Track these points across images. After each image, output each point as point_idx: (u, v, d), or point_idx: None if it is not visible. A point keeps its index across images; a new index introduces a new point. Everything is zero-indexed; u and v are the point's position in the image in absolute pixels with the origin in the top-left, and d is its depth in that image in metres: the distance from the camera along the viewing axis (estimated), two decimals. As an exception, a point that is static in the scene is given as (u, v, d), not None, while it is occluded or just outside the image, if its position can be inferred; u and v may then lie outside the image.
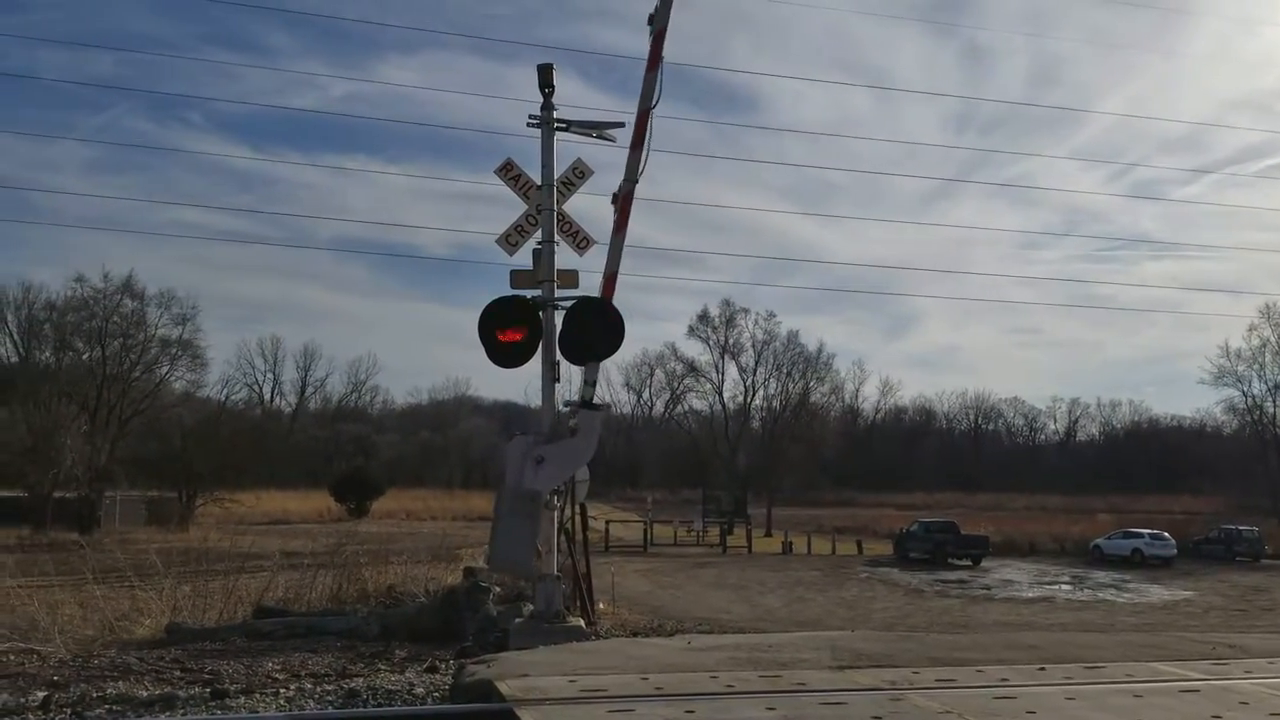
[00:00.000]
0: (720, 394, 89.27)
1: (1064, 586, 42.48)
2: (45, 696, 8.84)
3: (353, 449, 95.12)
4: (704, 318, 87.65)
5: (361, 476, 76.43)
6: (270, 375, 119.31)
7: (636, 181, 11.97)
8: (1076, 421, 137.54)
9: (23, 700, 8.78)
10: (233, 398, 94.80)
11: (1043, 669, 8.19)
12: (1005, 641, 10.82)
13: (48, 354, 67.68)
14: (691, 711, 6.42)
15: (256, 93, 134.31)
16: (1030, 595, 39.13)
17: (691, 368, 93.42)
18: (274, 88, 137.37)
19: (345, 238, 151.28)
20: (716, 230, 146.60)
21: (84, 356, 65.59)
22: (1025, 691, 7.21)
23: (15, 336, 68.17)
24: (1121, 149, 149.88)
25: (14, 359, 67.77)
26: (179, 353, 69.19)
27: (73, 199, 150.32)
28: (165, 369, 69.09)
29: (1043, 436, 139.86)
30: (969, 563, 50.38)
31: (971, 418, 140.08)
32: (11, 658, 11.52)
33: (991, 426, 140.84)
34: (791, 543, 56.92)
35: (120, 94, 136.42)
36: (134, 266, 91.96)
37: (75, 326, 65.78)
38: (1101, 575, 47.25)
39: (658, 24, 11.80)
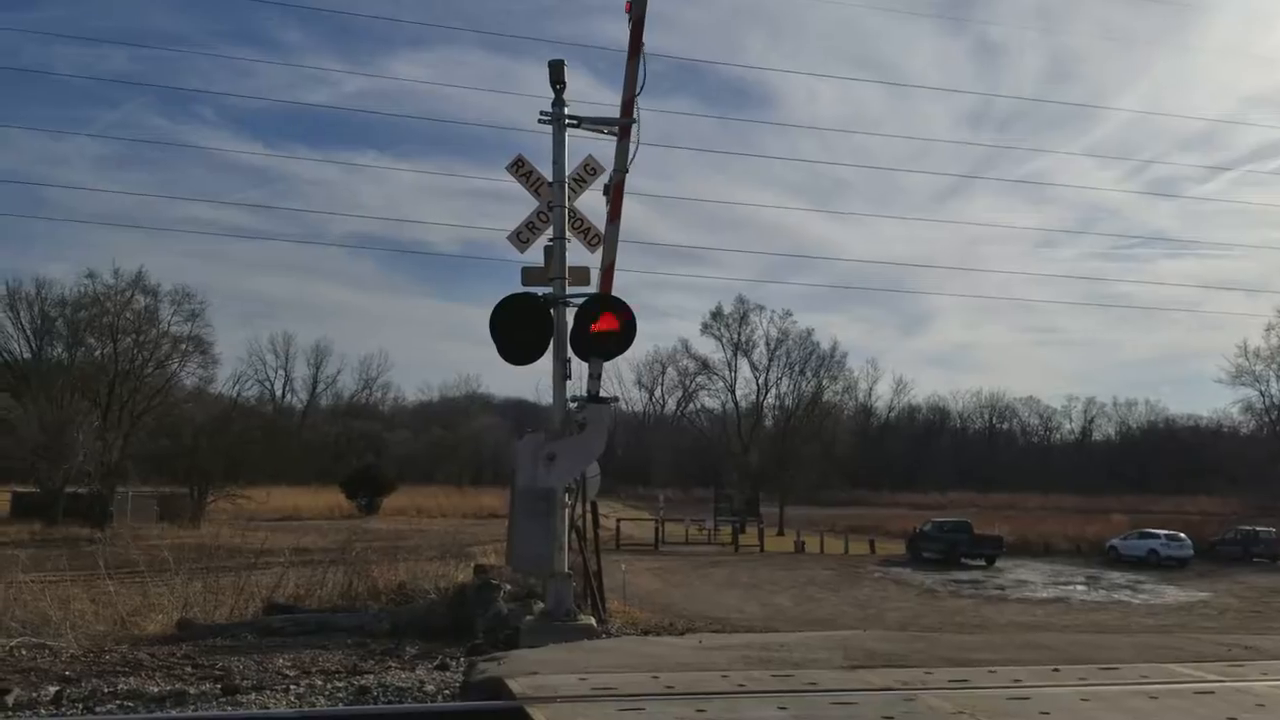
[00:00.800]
0: (733, 392, 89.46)
1: (1079, 587, 42.31)
2: (57, 692, 8.86)
3: (363, 446, 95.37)
4: (717, 315, 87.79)
5: (372, 473, 76.51)
6: (282, 372, 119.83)
7: (626, 171, 11.99)
8: (1092, 421, 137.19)
9: (35, 695, 8.80)
10: (244, 394, 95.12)
11: (1057, 670, 8.12)
12: (1019, 642, 10.75)
13: (60, 350, 68.08)
14: (703, 710, 6.38)
15: (269, 89, 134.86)
16: (1045, 596, 38.98)
17: (704, 365, 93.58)
18: (287, 84, 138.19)
19: (357, 234, 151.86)
20: (729, 227, 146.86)
21: (96, 353, 65.89)
22: (1039, 692, 7.14)
23: (28, 332, 68.49)
24: (1138, 146, 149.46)
25: (26, 355, 68.07)
26: (190, 349, 69.48)
27: (85, 195, 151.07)
28: (176, 365, 69.39)
29: (1058, 436, 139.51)
30: (983, 563, 50.21)
31: (986, 417, 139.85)
32: (23, 653, 11.54)
33: (1006, 426, 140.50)
34: (804, 542, 56.81)
35: (134, 89, 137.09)
36: (145, 263, 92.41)
37: (87, 323, 66.06)
38: (1117, 576, 47.05)
39: (635, 11, 11.80)
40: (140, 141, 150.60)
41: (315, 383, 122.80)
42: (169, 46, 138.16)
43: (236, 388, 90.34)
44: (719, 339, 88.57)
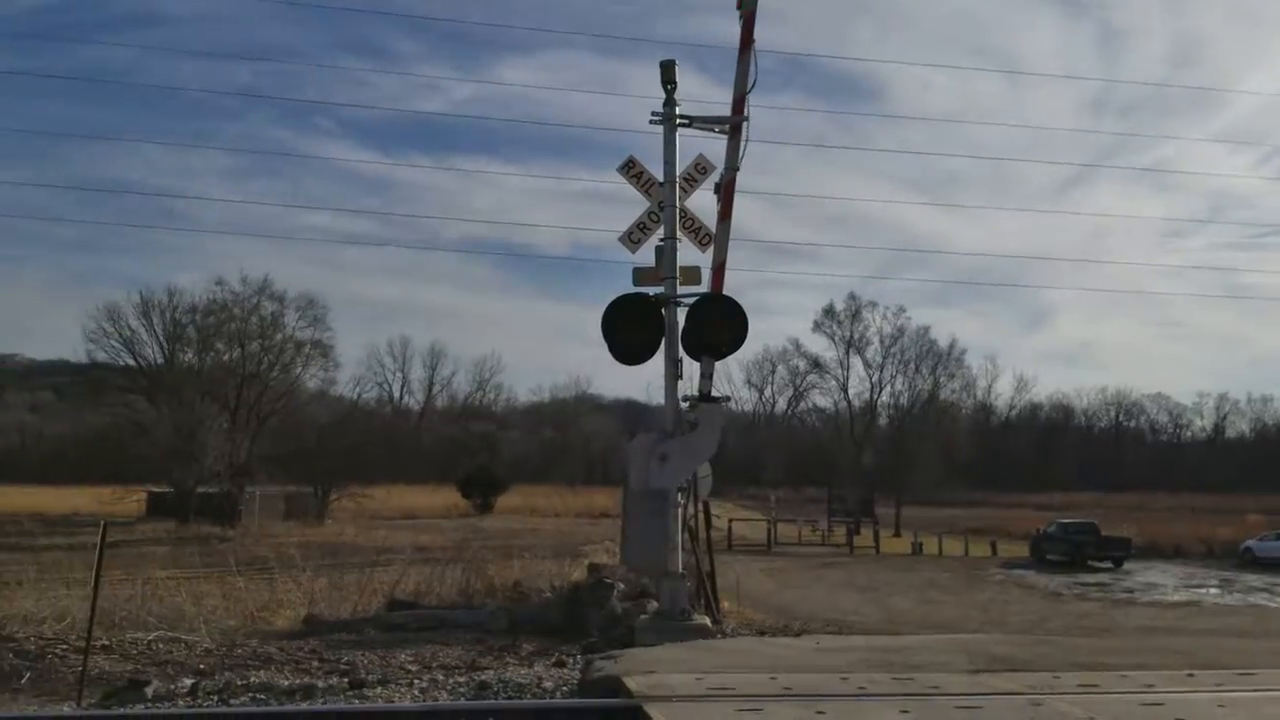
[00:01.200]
0: (845, 390, 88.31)
1: (1212, 590, 40.51)
2: (193, 684, 9.23)
3: (478, 446, 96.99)
4: (829, 312, 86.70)
5: (486, 473, 77.70)
6: (399, 374, 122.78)
7: (737, 169, 12.00)
8: (1225, 418, 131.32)
9: (172, 687, 9.18)
10: (364, 396, 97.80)
11: (1191, 675, 7.79)
12: (1150, 646, 10.36)
13: (191, 355, 70.63)
14: (822, 713, 6.29)
15: (384, 98, 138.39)
16: (1176, 599, 37.43)
17: (816, 364, 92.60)
18: (401, 92, 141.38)
19: (469, 238, 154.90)
20: (839, 223, 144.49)
21: (224, 357, 68.27)
22: (1173, 698, 6.86)
23: (160, 339, 71.31)
24: (1268, 131, 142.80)
25: (160, 360, 70.95)
26: (313, 353, 71.56)
27: (213, 205, 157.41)
28: (300, 369, 71.55)
29: (1189, 434, 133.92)
30: (1110, 565, 48.51)
31: (1112, 414, 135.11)
32: (161, 646, 12.06)
33: (1133, 424, 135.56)
34: (921, 544, 55.70)
35: (257, 103, 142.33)
36: (270, 270, 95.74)
37: (216, 328, 68.51)
38: (1253, 579, 44.91)
39: (746, 7, 11.74)
40: (264, 153, 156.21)
41: (431, 384, 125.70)
42: (289, 60, 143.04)
43: (357, 390, 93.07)
44: (831, 337, 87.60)
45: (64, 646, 11.86)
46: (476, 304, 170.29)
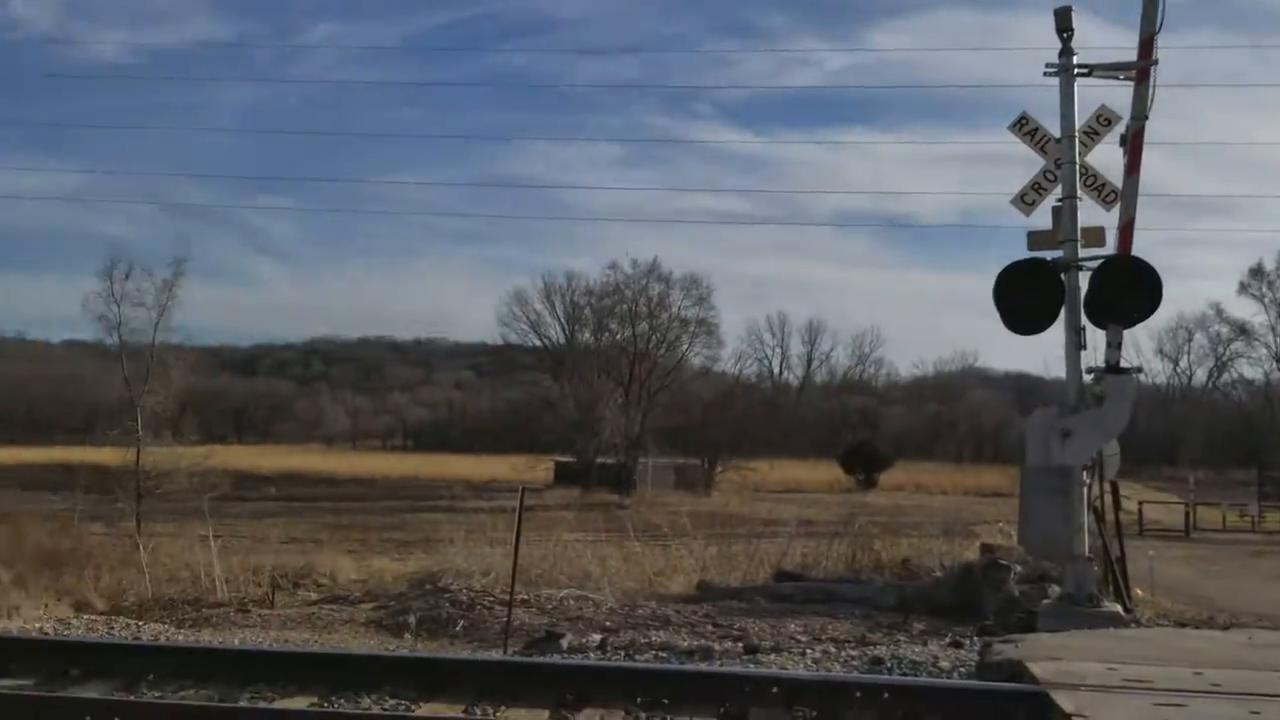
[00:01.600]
0: (1278, 360, 78.65)
1: None
2: (601, 639, 9.94)
3: (857, 421, 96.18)
4: (1257, 273, 77.68)
5: (868, 449, 76.96)
6: (779, 350, 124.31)
7: (1146, 118, 10.99)
8: None
9: (583, 640, 9.93)
10: (745, 372, 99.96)
11: None
12: None
13: (588, 335, 75.64)
14: (1257, 713, 5.66)
15: (755, 76, 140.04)
16: None
17: (1241, 330, 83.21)
18: (772, 70, 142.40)
19: (845, 211, 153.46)
20: (1266, 171, 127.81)
21: (618, 336, 72.48)
22: None
23: (562, 320, 77.00)
24: None
25: (561, 341, 76.61)
26: (698, 331, 74.19)
27: (603, 193, 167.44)
28: (686, 346, 74.46)
29: None
30: None
31: None
32: (571, 603, 13.08)
33: None
34: (1373, 533, 48.64)
35: (638, 93, 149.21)
36: (657, 253, 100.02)
37: (610, 309, 72.83)
38: None
39: None
40: (647, 141, 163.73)
41: (810, 359, 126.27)
42: (665, 49, 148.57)
43: (738, 366, 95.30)
44: (1260, 299, 78.57)
45: (490, 599, 13.19)
46: (855, 277, 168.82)
